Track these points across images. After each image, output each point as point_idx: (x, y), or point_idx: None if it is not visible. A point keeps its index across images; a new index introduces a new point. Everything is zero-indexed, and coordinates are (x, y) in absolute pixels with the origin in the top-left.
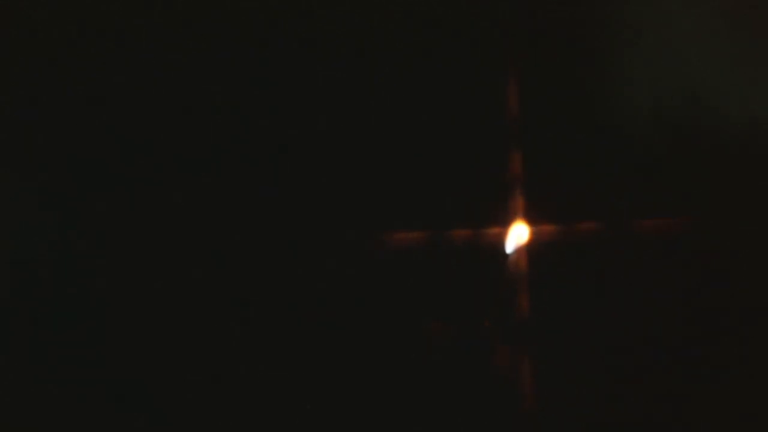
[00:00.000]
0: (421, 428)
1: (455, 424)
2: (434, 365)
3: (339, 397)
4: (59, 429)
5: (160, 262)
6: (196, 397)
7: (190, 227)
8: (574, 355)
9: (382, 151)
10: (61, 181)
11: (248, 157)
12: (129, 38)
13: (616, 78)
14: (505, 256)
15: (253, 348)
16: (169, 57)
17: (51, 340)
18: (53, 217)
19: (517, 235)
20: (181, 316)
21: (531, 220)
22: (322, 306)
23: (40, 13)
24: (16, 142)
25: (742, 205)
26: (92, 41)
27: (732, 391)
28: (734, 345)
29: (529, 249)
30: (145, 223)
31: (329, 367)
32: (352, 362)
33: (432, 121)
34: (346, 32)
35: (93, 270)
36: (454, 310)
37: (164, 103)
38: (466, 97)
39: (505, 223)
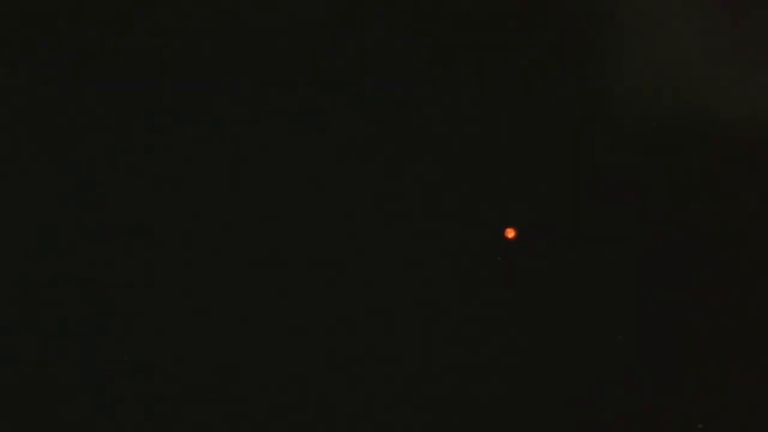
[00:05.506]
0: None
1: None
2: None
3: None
4: (59, 429)
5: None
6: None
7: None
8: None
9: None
10: (62, 179)
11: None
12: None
13: (615, 77)
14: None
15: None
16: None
17: (51, 339)
18: (53, 216)
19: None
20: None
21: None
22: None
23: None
24: (14, 140)
25: (742, 204)
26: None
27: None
28: (735, 344)
29: (527, 248)
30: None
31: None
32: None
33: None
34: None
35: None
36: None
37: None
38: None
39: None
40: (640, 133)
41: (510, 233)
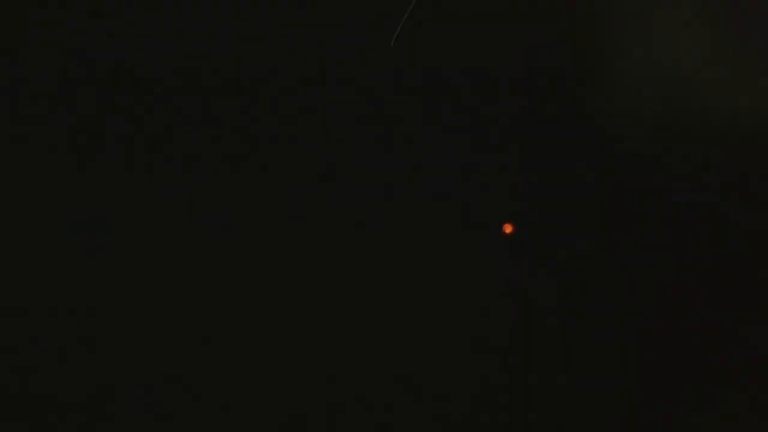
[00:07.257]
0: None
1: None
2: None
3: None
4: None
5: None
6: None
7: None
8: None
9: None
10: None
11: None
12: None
13: (614, 75)
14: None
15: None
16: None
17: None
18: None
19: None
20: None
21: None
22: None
23: None
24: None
25: (742, 203)
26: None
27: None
28: (735, 345)
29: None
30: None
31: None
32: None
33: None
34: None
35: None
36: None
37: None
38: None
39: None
40: (640, 133)
41: (508, 228)
